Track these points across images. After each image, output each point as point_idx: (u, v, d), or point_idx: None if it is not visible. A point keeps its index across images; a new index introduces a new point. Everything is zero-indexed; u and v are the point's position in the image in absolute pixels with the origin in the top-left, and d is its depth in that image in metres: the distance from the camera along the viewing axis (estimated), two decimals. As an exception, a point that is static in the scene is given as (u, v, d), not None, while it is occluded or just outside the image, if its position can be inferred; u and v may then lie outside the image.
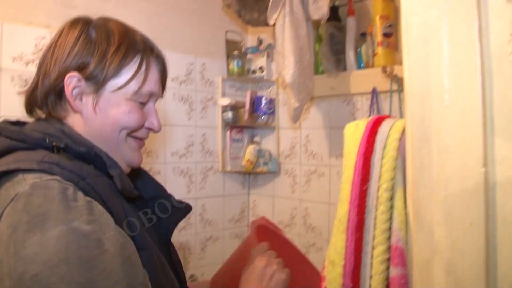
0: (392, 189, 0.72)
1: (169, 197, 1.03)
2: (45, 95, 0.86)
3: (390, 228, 0.71)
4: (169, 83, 2.17)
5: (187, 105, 2.32)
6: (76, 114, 0.87)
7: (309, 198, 2.29)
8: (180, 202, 1.03)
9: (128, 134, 0.91)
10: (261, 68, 2.47)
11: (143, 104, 0.91)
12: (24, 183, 0.70)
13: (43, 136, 0.81)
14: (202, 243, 2.39)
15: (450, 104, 0.65)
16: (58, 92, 0.86)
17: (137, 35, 0.92)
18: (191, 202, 2.26)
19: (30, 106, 0.91)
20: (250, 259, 0.99)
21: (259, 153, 2.44)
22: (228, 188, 2.51)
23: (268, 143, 2.49)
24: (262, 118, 2.42)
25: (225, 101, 2.41)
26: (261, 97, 2.42)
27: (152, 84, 0.91)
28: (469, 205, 0.62)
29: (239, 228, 2.56)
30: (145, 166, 2.09)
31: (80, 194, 0.73)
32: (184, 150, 2.31)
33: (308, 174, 2.30)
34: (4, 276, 0.65)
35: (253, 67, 2.51)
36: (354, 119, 2.09)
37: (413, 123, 0.69)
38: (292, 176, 2.38)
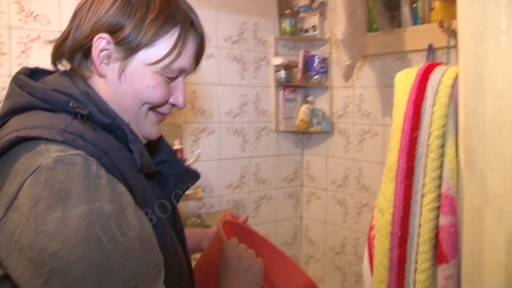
0: (443, 137, 0.70)
1: (179, 161, 1.00)
2: (73, 50, 0.82)
3: (440, 176, 0.70)
4: (222, 43, 2.21)
5: (240, 65, 2.33)
6: (101, 78, 0.83)
7: (363, 158, 2.27)
8: (188, 168, 1.00)
9: (150, 109, 0.87)
10: (313, 27, 2.43)
11: (171, 79, 0.86)
12: (47, 155, 0.67)
13: (67, 100, 0.77)
14: (256, 201, 2.44)
15: (507, 47, 0.62)
16: (85, 51, 0.81)
17: (180, 4, 0.85)
18: (245, 161, 2.33)
19: (56, 57, 0.86)
20: (223, 256, 0.98)
21: (313, 113, 2.42)
22: (281, 147, 2.53)
23: (322, 103, 2.47)
24: (315, 77, 2.40)
25: (278, 60, 2.40)
26: (314, 56, 2.39)
27: (184, 60, 0.85)
28: (524, 150, 0.60)
29: (292, 187, 2.59)
30: (199, 125, 2.15)
31: (103, 171, 0.70)
32: (238, 110, 2.34)
33: (361, 134, 2.27)
34: (25, 248, 0.64)
35: (305, 26, 2.47)
36: (411, 76, 2.02)
37: (466, 66, 0.67)
38: (345, 136, 2.35)
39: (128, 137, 0.81)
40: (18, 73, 0.84)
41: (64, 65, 0.88)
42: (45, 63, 1.65)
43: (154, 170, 0.87)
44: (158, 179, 0.91)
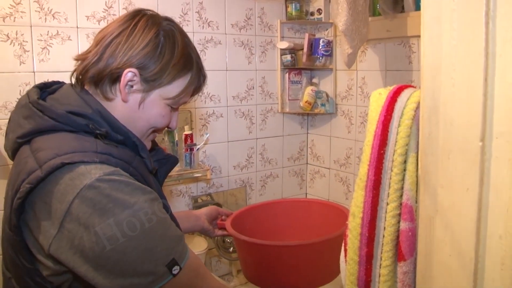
0: (406, 154, 0.81)
1: (159, 149, 1.18)
2: (103, 74, 0.95)
3: (402, 188, 0.81)
4: (229, 29, 2.31)
5: (247, 49, 2.42)
6: (123, 102, 0.98)
7: (364, 139, 2.37)
8: (167, 155, 1.18)
9: (153, 131, 1.05)
10: (319, 10, 2.50)
11: (174, 109, 1.04)
12: (89, 175, 0.83)
13: (87, 123, 0.91)
14: (262, 180, 2.57)
15: (456, 83, 0.72)
16: (114, 77, 0.95)
17: (193, 52, 1.03)
18: (251, 143, 2.47)
19: (83, 74, 0.97)
20: None
21: (317, 95, 2.52)
22: (287, 128, 2.64)
23: (326, 85, 2.56)
24: (320, 60, 2.48)
25: (284, 44, 2.48)
26: (318, 40, 2.46)
27: (188, 97, 1.04)
28: (466, 173, 0.71)
29: (297, 166, 2.71)
30: (208, 110, 2.27)
31: (133, 179, 0.89)
32: (245, 93, 2.44)
33: (363, 116, 2.37)
34: (86, 250, 0.82)
35: (311, 9, 2.54)
36: (410, 62, 2.10)
37: (425, 96, 0.77)
38: (348, 117, 2.45)
39: (139, 147, 0.98)
40: (38, 97, 0.95)
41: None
42: (64, 58, 1.83)
43: (155, 169, 1.06)
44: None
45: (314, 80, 2.60)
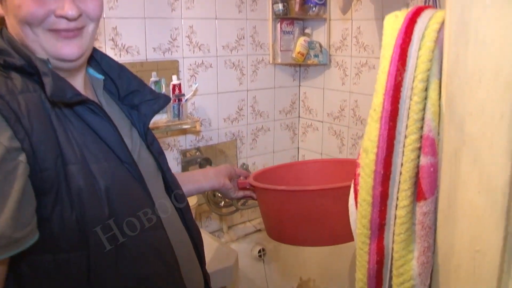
0: (427, 80, 0.72)
1: (147, 89, 1.05)
2: None
3: (422, 118, 0.73)
4: (218, -22, 2.16)
5: (237, -3, 2.29)
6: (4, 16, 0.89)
7: (359, 91, 2.29)
8: (157, 94, 1.05)
9: (47, 29, 0.86)
10: (312, -45, 2.36)
11: None
12: None
13: None
14: (253, 133, 2.49)
15: (492, -7, 0.63)
16: None
17: None
18: (242, 94, 2.36)
19: None
20: None
21: (310, 45, 2.41)
22: (279, 80, 2.54)
23: (319, 35, 2.45)
24: (313, 9, 2.36)
25: (276, -9, 2.35)
26: (312, -13, 2.34)
27: None
28: (501, 97, 0.63)
29: (289, 119, 2.63)
30: (197, 59, 2.15)
31: None
32: (235, 43, 2.32)
33: (358, 67, 2.27)
34: None
35: (304, -46, 2.40)
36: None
37: (452, 12, 0.68)
38: (342, 69, 2.36)
39: (40, 71, 0.82)
40: None
41: None
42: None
43: (76, 100, 0.85)
44: (126, 107, 0.99)
45: (307, 30, 2.48)
